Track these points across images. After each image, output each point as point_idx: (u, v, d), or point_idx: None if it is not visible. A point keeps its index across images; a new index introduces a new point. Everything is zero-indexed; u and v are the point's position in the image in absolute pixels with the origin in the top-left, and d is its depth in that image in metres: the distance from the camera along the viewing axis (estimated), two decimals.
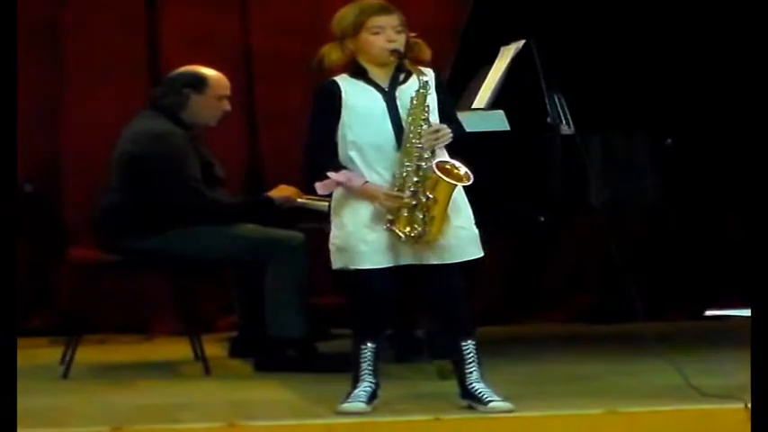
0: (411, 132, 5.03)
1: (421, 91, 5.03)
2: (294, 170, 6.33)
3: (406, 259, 5.08)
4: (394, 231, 5.01)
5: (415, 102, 5.03)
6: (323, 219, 6.30)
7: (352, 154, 5.09)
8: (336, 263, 5.15)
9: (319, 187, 5.13)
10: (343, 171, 5.05)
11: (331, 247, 5.16)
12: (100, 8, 7.90)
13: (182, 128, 6.43)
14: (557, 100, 6.17)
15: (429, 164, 4.99)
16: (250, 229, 6.39)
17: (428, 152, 5.02)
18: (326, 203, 6.14)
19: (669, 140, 6.24)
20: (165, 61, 7.75)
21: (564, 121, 6.16)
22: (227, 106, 6.60)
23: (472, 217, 5.12)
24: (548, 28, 6.20)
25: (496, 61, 6.42)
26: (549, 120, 6.10)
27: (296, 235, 6.35)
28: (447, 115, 5.16)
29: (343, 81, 5.14)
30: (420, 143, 5.02)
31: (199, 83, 6.52)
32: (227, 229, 6.34)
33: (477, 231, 5.11)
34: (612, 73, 6.38)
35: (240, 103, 7.26)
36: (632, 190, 6.25)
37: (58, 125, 7.92)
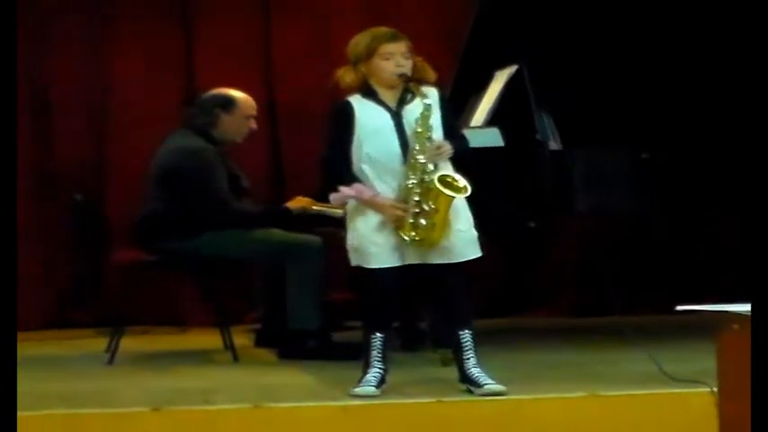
0: (416, 149, 5.05)
1: (425, 113, 5.04)
2: (310, 181, 6.37)
3: (412, 259, 5.10)
4: (400, 235, 5.04)
5: (419, 122, 5.05)
6: (337, 224, 6.33)
7: (364, 167, 5.10)
8: (353, 261, 5.18)
9: (333, 199, 5.16)
10: (355, 185, 5.07)
11: (348, 247, 5.19)
12: (142, 36, 7.92)
13: (212, 144, 6.42)
14: (545, 119, 6.17)
15: (431, 177, 5.00)
16: (273, 233, 6.39)
17: (431, 166, 5.05)
18: (340, 210, 6.16)
19: (645, 155, 6.24)
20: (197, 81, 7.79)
21: (552, 138, 6.17)
22: (253, 125, 6.59)
23: (472, 220, 5.12)
24: (537, 55, 6.20)
25: (491, 84, 6.42)
26: (538, 136, 6.10)
27: (313, 238, 6.35)
28: (450, 130, 5.17)
29: (356, 101, 5.14)
30: (423, 158, 5.04)
31: (228, 104, 6.51)
32: (252, 233, 6.34)
33: (475, 233, 5.12)
34: (595, 95, 6.37)
35: (263, 118, 7.24)
36: (612, 199, 6.25)
37: (104, 143, 7.92)
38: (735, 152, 6.25)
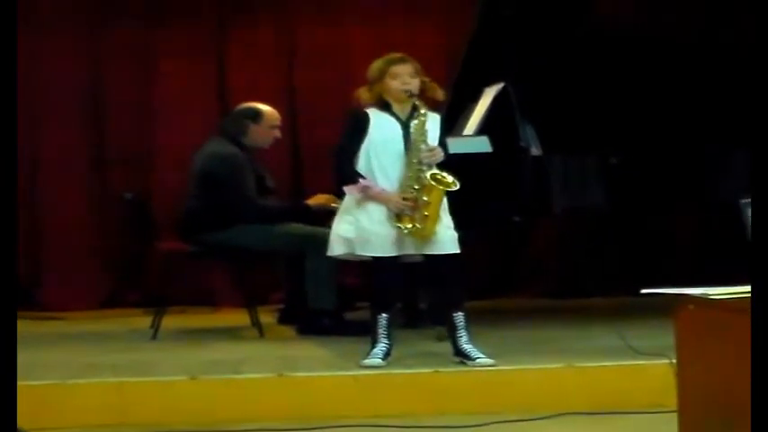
0: (412, 151, 5.06)
1: (421, 119, 5.07)
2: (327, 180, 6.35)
3: (410, 249, 5.11)
4: (399, 227, 5.04)
5: (415, 127, 5.07)
6: None
7: (375, 167, 5.11)
8: (337, 250, 5.21)
9: (347, 190, 5.15)
10: (363, 180, 5.08)
11: (336, 237, 5.19)
12: (182, 40, 7.88)
13: (242, 150, 6.42)
14: (527, 129, 6.15)
15: (425, 174, 5.02)
16: (294, 227, 6.37)
17: (426, 167, 5.04)
18: None
19: (614, 160, 6.21)
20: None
21: (533, 145, 6.14)
22: (277, 134, 6.59)
23: (452, 223, 5.13)
24: (520, 75, 6.18)
25: (481, 99, 6.40)
26: (521, 143, 6.08)
27: (328, 231, 6.32)
28: (442, 146, 5.20)
29: (372, 112, 5.19)
30: (419, 159, 5.04)
31: (256, 115, 6.50)
32: (277, 227, 6.32)
33: (455, 233, 5.12)
34: (571, 108, 6.35)
35: (286, 129, 7.21)
36: (585, 197, 6.22)
37: (151, 151, 7.90)
38: (691, 158, 6.26)
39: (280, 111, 6.70)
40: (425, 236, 5.04)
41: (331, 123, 7.35)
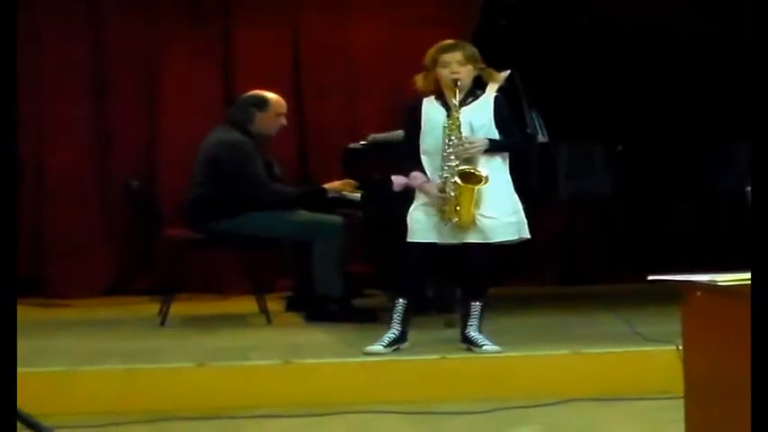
0: (446, 145, 5.02)
1: (454, 114, 5.02)
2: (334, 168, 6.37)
3: (449, 238, 5.05)
4: (443, 218, 5.01)
5: (449, 121, 5.02)
6: (356, 206, 6.32)
7: (423, 157, 5.10)
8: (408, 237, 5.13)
9: (394, 181, 5.18)
10: (412, 173, 5.07)
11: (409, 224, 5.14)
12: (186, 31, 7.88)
13: (249, 137, 6.42)
14: (534, 116, 6.15)
15: (454, 171, 4.98)
16: (302, 214, 6.37)
17: (461, 160, 5.00)
18: (359, 195, 6.17)
19: (620, 147, 6.21)
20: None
21: (540, 132, 6.14)
22: (283, 121, 6.58)
23: (507, 207, 5.08)
24: (527, 63, 6.17)
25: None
26: (528, 130, 6.08)
27: (335, 218, 6.34)
28: (503, 128, 5.12)
29: (427, 101, 5.14)
30: (453, 153, 5.00)
31: (262, 103, 6.50)
32: (284, 214, 6.33)
33: (510, 220, 5.07)
34: (577, 96, 6.35)
35: (293, 117, 7.22)
36: (591, 184, 6.23)
37: (156, 139, 7.91)
38: (696, 145, 6.26)
39: (284, 95, 6.69)
40: (463, 226, 5.01)
41: (335, 103, 7.40)
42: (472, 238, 5.03)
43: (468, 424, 4.42)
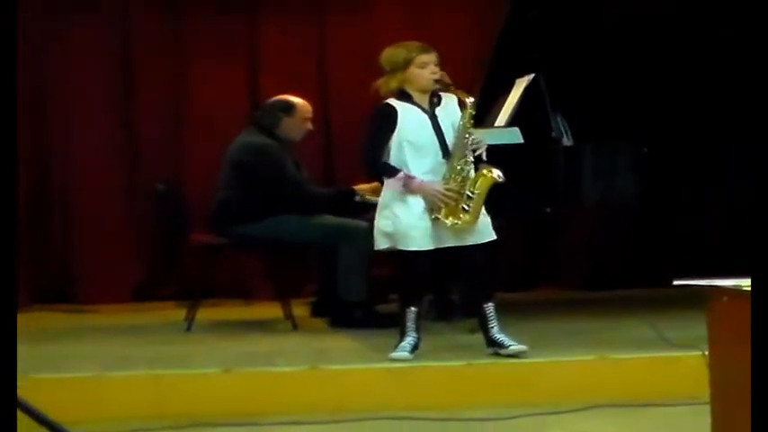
0: (459, 141, 5.03)
1: (468, 110, 5.03)
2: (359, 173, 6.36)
3: (449, 242, 5.07)
4: (440, 219, 5.01)
5: (465, 117, 5.03)
6: None
7: (408, 159, 5.08)
8: (382, 244, 5.15)
9: (390, 182, 5.13)
10: (402, 173, 5.06)
11: (378, 232, 5.16)
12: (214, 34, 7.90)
13: (276, 141, 6.44)
14: (559, 119, 6.15)
15: (470, 166, 4.99)
16: (327, 219, 6.38)
17: (471, 157, 5.03)
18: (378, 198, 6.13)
19: (645, 150, 6.20)
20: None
21: (565, 136, 6.14)
22: (309, 126, 6.60)
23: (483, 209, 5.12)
24: (552, 66, 6.17)
25: (513, 90, 6.40)
26: (553, 134, 6.08)
27: (361, 224, 6.33)
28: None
29: (396, 103, 5.13)
30: (466, 150, 5.02)
31: (289, 108, 6.52)
32: (310, 219, 6.34)
33: (488, 219, 5.09)
34: (602, 98, 6.34)
35: (318, 121, 7.22)
36: (616, 188, 6.21)
37: (183, 142, 7.93)
38: (720, 148, 6.24)
39: (309, 96, 6.70)
40: (465, 228, 5.02)
41: (361, 104, 7.42)
42: (471, 240, 5.05)
43: (494, 430, 4.42)
